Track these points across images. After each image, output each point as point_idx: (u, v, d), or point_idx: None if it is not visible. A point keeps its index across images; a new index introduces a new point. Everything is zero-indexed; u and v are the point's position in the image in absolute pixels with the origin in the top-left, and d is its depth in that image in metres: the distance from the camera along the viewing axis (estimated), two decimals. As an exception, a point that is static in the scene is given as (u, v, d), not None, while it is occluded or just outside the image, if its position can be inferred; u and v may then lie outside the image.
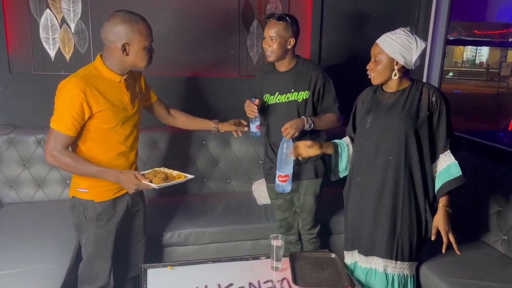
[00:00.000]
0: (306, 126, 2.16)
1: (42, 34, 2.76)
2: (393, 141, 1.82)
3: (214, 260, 2.01)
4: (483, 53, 14.52)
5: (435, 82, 3.19)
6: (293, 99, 2.26)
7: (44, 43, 2.78)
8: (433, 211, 1.87)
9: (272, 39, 2.16)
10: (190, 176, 1.92)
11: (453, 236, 1.82)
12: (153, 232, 2.47)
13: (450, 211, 1.83)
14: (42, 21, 2.74)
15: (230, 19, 3.01)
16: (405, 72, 1.84)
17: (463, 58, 14.82)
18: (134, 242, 2.14)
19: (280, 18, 2.17)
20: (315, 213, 2.42)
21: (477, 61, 14.70)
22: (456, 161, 1.81)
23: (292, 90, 2.25)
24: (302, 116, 2.19)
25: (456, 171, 1.80)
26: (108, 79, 1.83)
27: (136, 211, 2.09)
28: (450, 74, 12.42)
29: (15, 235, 2.25)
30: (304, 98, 2.25)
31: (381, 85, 1.92)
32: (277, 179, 2.20)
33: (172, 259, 2.49)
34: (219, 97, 3.08)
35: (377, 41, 1.85)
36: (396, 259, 1.89)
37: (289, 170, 2.17)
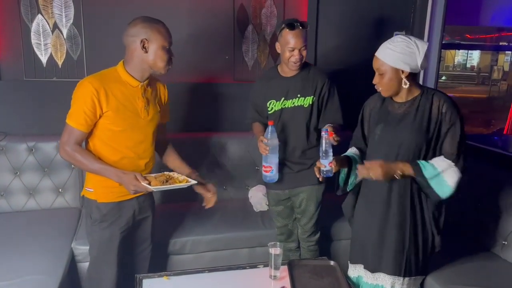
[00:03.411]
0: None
1: (33, 40, 2.72)
2: (403, 156, 1.76)
3: (211, 269, 1.98)
4: (474, 57, 14.66)
5: (430, 86, 3.18)
6: (299, 104, 2.23)
7: (35, 49, 2.74)
8: (438, 226, 1.84)
9: (303, 48, 2.11)
10: (192, 182, 1.93)
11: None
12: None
13: (399, 176, 1.70)
14: (33, 27, 2.70)
15: (225, 23, 2.99)
16: (413, 78, 1.76)
17: (454, 62, 14.95)
18: (140, 249, 2.14)
19: (304, 25, 2.12)
20: (316, 220, 2.39)
21: (468, 65, 14.83)
22: (453, 187, 1.69)
23: (298, 96, 2.22)
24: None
25: (444, 191, 1.69)
26: (126, 83, 1.86)
27: (143, 218, 2.08)
28: (443, 78, 12.51)
29: (6, 245, 2.19)
30: (310, 103, 2.23)
31: None
32: (262, 170, 2.21)
33: (167, 268, 2.45)
34: (214, 102, 3.07)
35: (376, 54, 1.76)
36: (404, 276, 1.84)
37: (271, 160, 2.15)
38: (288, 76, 2.26)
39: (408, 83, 1.73)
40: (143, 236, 2.13)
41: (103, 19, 2.76)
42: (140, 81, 1.88)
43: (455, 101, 1.76)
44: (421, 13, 3.16)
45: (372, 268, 1.90)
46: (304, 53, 2.14)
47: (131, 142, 1.90)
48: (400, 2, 3.20)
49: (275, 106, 2.27)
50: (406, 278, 1.85)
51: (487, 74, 13.11)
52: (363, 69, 3.11)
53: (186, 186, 1.90)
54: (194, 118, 3.06)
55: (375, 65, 1.77)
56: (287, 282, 1.83)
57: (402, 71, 1.71)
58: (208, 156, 2.98)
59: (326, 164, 1.80)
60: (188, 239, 2.49)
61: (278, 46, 2.20)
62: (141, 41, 1.80)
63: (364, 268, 1.94)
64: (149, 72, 1.89)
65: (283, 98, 2.24)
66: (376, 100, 1.92)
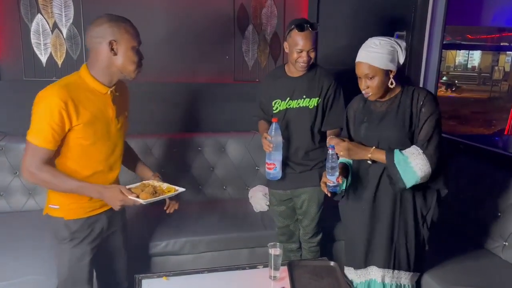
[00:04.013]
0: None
1: (33, 40, 2.72)
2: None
3: (210, 270, 1.97)
4: (475, 58, 14.67)
5: (431, 86, 3.18)
6: (304, 105, 2.21)
7: (35, 49, 2.73)
8: (426, 222, 1.87)
9: (311, 49, 2.11)
10: (180, 189, 1.79)
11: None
12: (147, 241, 2.43)
13: (369, 160, 1.81)
14: (33, 26, 2.70)
15: (225, 23, 2.98)
16: (397, 76, 1.80)
17: (455, 62, 14.95)
18: (116, 261, 1.99)
19: (313, 26, 2.11)
20: (317, 221, 2.38)
21: (469, 66, 14.84)
22: (419, 175, 1.69)
23: (304, 96, 2.21)
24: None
25: (409, 177, 1.70)
26: (93, 90, 1.68)
27: (112, 232, 1.92)
28: (444, 78, 12.50)
29: (6, 245, 2.19)
30: (315, 104, 2.22)
31: None
32: (266, 167, 2.20)
33: (167, 268, 2.44)
34: (214, 102, 3.06)
35: (361, 60, 1.75)
36: (394, 268, 1.87)
37: (274, 157, 2.15)
38: (295, 76, 2.24)
39: (394, 83, 1.77)
40: (116, 249, 1.97)
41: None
42: (109, 86, 1.71)
43: (435, 96, 1.83)
44: (422, 13, 3.15)
45: (362, 263, 1.92)
46: (312, 55, 2.13)
47: (102, 155, 1.75)
48: (401, 2, 3.19)
49: (280, 105, 2.26)
50: (396, 271, 1.88)
51: (488, 75, 13.11)
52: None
53: (173, 195, 1.79)
54: (194, 118, 3.06)
55: (362, 70, 1.75)
56: (286, 282, 1.82)
57: (391, 71, 1.75)
58: (208, 156, 2.97)
59: (334, 180, 1.79)
60: (187, 239, 2.48)
61: (286, 46, 2.19)
62: (109, 42, 1.63)
63: (355, 269, 1.97)
64: (118, 76, 1.71)
65: (288, 98, 2.23)
66: (358, 101, 1.95)
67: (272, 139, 2.10)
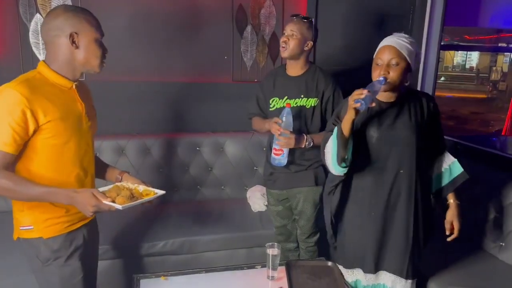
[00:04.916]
0: (306, 144, 2.16)
1: (31, 39, 2.71)
2: (403, 153, 1.72)
3: (208, 270, 1.97)
4: (473, 58, 14.68)
5: (429, 87, 3.19)
6: (301, 104, 2.22)
7: (34, 48, 2.73)
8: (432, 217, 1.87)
9: (293, 35, 2.15)
10: (160, 192, 1.61)
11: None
12: (145, 241, 2.43)
13: (459, 202, 1.87)
14: (31, 26, 2.69)
15: (224, 24, 2.99)
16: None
17: (453, 63, 14.97)
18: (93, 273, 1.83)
19: (305, 17, 2.19)
20: (314, 221, 2.38)
21: (467, 66, 14.85)
22: (456, 159, 1.85)
23: (302, 96, 2.22)
24: (304, 135, 2.17)
25: (458, 169, 1.84)
26: (57, 85, 1.51)
27: (92, 239, 1.74)
28: (442, 78, 12.52)
29: (5, 245, 2.15)
30: (312, 105, 2.22)
31: None
32: (272, 152, 2.20)
33: (165, 268, 2.44)
34: (213, 102, 3.06)
35: (389, 43, 1.65)
36: (407, 278, 1.81)
37: None
38: (294, 75, 2.26)
39: (408, 82, 1.71)
40: (94, 261, 1.83)
41: (101, 18, 2.75)
42: (73, 81, 1.55)
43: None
44: (420, 14, 3.15)
45: (373, 268, 1.84)
46: (292, 41, 2.16)
47: (75, 156, 1.56)
48: (399, 3, 3.20)
49: (277, 103, 2.27)
50: (409, 281, 1.82)
51: (486, 75, 13.13)
52: (362, 70, 3.13)
53: (153, 199, 1.59)
54: (192, 118, 3.06)
55: (388, 55, 1.64)
56: (284, 282, 1.82)
57: (411, 69, 1.68)
58: (206, 156, 2.98)
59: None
60: (185, 239, 2.48)
61: None
62: (70, 35, 1.46)
63: (364, 272, 1.87)
64: (80, 71, 1.55)
65: (286, 97, 2.24)
66: None
67: (282, 124, 2.10)
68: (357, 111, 1.57)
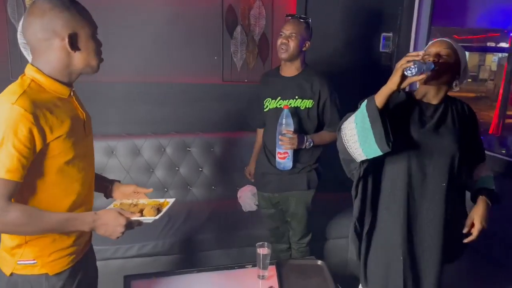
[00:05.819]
0: (306, 144, 2.16)
1: (20, 40, 2.69)
2: (446, 164, 1.52)
3: (200, 270, 1.98)
4: (462, 57, 14.80)
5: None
6: (295, 106, 2.20)
7: (22, 49, 2.71)
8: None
9: (292, 36, 2.13)
10: (172, 200, 1.56)
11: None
12: (136, 241, 2.43)
13: (490, 203, 1.59)
14: (20, 27, 2.67)
15: (214, 24, 2.99)
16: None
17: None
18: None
19: (302, 18, 2.17)
20: (306, 223, 2.38)
21: (456, 65, 14.98)
22: (492, 175, 1.68)
23: (296, 97, 2.20)
24: (304, 135, 2.17)
25: (491, 184, 1.65)
26: (54, 93, 1.28)
27: (94, 262, 1.60)
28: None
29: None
30: (308, 107, 2.20)
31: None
32: (277, 157, 2.18)
33: (156, 269, 2.44)
34: (203, 102, 3.07)
35: (446, 39, 1.50)
36: None
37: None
38: (287, 76, 2.24)
39: (458, 87, 1.54)
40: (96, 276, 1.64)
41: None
42: (69, 86, 1.33)
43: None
44: (408, 15, 3.18)
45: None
46: (292, 42, 2.13)
47: (81, 172, 1.35)
48: (387, 3, 3.22)
49: (270, 104, 2.25)
50: None
51: (474, 74, 13.25)
52: (351, 71, 3.16)
53: (170, 206, 1.53)
54: (182, 119, 3.06)
55: (442, 47, 1.48)
56: (275, 282, 1.84)
57: (459, 73, 1.52)
58: (196, 156, 2.98)
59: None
60: (176, 239, 2.49)
61: None
62: (68, 37, 1.23)
63: None
64: (77, 74, 1.33)
65: (279, 98, 2.23)
66: (402, 96, 1.59)
67: (283, 126, 2.10)
68: (404, 77, 1.35)
